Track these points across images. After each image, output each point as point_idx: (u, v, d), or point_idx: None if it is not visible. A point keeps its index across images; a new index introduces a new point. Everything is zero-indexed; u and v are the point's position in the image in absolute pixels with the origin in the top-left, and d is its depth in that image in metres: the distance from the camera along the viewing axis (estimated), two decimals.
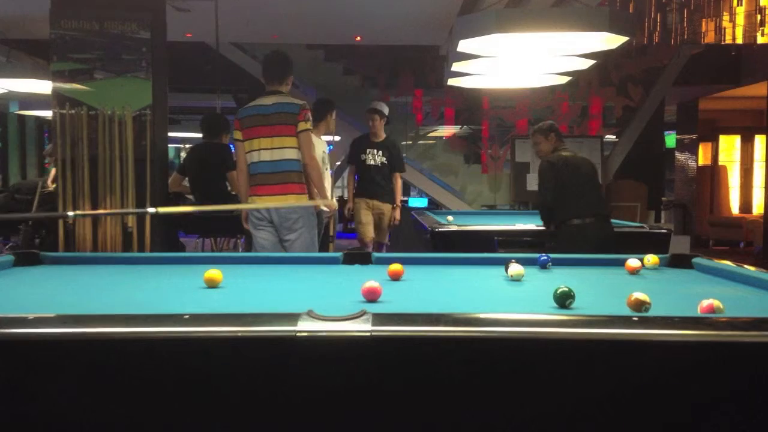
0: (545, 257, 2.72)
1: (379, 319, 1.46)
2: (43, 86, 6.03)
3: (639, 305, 1.73)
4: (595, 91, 9.27)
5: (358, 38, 7.85)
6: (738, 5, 6.73)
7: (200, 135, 5.70)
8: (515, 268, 2.39)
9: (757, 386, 1.42)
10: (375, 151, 6.00)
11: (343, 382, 1.41)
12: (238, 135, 4.03)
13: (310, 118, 3.99)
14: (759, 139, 11.64)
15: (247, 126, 3.99)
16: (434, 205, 9.24)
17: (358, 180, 6.14)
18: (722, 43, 7.28)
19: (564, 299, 1.83)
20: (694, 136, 11.64)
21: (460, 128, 10.60)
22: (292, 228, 3.91)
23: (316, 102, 5.59)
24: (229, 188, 5.38)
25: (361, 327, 1.42)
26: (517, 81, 5.87)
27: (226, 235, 5.95)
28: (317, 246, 4.20)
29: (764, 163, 10.70)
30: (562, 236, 4.02)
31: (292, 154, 3.94)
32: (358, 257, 2.84)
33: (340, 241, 7.90)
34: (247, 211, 4.05)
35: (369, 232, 5.98)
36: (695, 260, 2.72)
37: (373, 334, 1.41)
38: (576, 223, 3.98)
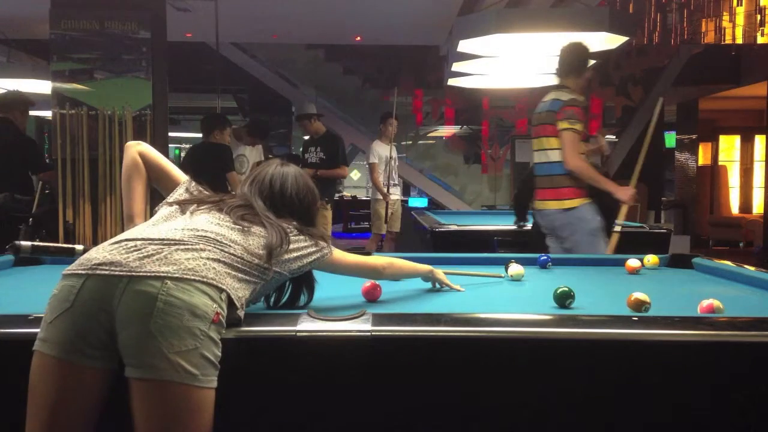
0: (545, 257, 2.72)
1: (379, 319, 1.46)
2: (43, 86, 6.02)
3: (639, 305, 1.73)
4: (595, 91, 9.26)
5: (358, 38, 7.86)
6: (738, 5, 6.72)
7: (200, 135, 5.73)
8: (515, 268, 2.39)
9: (757, 386, 1.42)
10: (313, 148, 6.01)
11: (344, 382, 1.41)
12: None
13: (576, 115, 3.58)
14: (759, 139, 11.62)
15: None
16: (434, 205, 9.23)
17: None
18: (722, 43, 7.27)
19: (564, 299, 1.83)
20: (694, 136, 11.62)
21: (460, 128, 10.60)
22: None
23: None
24: (229, 189, 5.37)
25: (361, 327, 1.42)
26: (517, 81, 5.87)
27: None
28: None
29: (764, 163, 10.69)
30: None
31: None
32: None
33: (340, 241, 7.90)
34: None
35: None
36: (695, 260, 2.72)
37: (373, 334, 1.41)
38: None
